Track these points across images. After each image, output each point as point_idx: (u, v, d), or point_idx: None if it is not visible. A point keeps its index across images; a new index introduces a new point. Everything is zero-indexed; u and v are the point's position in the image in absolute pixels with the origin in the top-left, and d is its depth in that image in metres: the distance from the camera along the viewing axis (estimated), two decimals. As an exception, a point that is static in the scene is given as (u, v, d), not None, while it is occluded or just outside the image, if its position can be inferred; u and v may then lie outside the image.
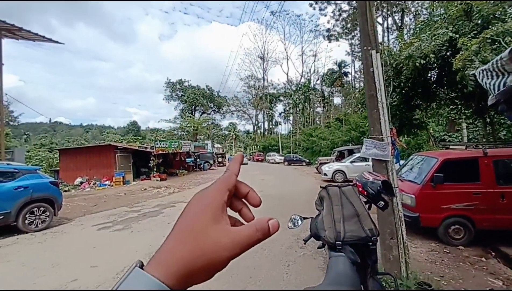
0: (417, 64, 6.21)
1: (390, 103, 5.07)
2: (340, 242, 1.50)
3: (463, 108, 8.87)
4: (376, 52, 2.84)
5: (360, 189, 1.83)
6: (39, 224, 6.12)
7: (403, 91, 7.66)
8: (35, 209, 6.09)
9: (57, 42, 12.09)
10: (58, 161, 18.94)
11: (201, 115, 52.90)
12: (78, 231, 6.13)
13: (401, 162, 6.01)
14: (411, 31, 19.42)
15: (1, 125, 12.25)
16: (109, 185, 14.17)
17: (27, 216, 5.94)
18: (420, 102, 8.44)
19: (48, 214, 6.30)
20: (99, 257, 4.39)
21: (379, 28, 30.05)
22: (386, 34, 31.50)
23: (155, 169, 16.85)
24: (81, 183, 14.61)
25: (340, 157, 17.67)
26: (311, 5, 40.14)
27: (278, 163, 32.63)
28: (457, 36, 6.20)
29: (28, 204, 5.96)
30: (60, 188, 7.34)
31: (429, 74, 7.62)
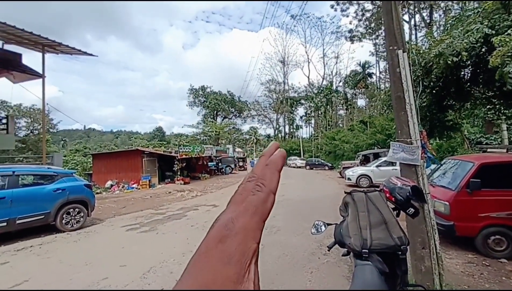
0: (449, 62, 5.84)
1: (420, 104, 4.81)
2: (366, 250, 1.44)
3: (502, 108, 8.15)
4: (403, 51, 2.72)
5: (387, 194, 1.75)
6: (74, 224, 6.56)
7: (434, 91, 7.23)
8: (71, 209, 6.54)
9: (91, 54, 13.02)
10: (91, 164, 20.26)
11: (222, 120, 53.89)
12: (108, 231, 6.48)
13: (432, 166, 5.65)
14: (441, 28, 18.36)
15: (43, 133, 13.40)
16: (136, 188, 14.85)
17: (64, 216, 6.40)
18: (453, 102, 7.91)
19: (82, 214, 6.74)
20: (127, 257, 4.60)
21: (406, 26, 28.78)
22: (413, 32, 30.09)
23: (179, 173, 17.39)
24: (111, 185, 15.47)
25: (365, 160, 17.02)
26: (332, 6, 39.53)
27: (300, 167, 32.15)
28: (493, 32, 5.74)
29: (65, 205, 6.43)
30: (93, 190, 7.82)
31: (462, 73, 7.12)
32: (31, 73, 11.10)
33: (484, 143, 12.97)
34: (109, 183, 15.83)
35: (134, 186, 15.06)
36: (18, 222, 5.66)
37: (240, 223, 0.24)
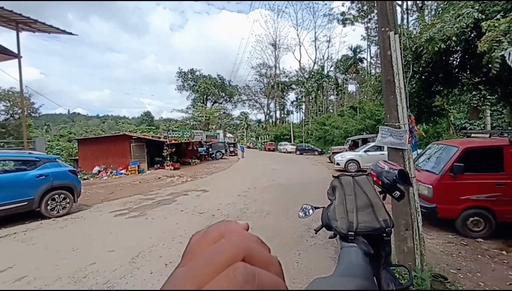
0: (436, 48, 5.82)
1: (409, 90, 4.83)
2: (352, 233, 1.45)
3: (487, 94, 8.33)
4: (395, 33, 2.66)
5: (374, 178, 1.75)
6: (60, 210, 6.42)
7: (423, 77, 7.26)
8: (56, 196, 6.38)
9: (70, 33, 12.29)
10: (77, 150, 19.70)
11: (212, 105, 53.04)
12: (96, 217, 6.40)
13: (419, 151, 5.78)
14: (433, 12, 18.28)
15: (23, 117, 12.80)
16: (125, 174, 14.63)
17: (49, 202, 6.24)
18: (441, 88, 8.00)
19: (68, 200, 6.60)
20: (115, 242, 4.57)
21: (398, 10, 28.51)
22: (405, 16, 29.86)
23: (168, 158, 17.19)
24: (99, 171, 15.16)
25: (354, 146, 17.32)
26: (325, -12, 38.46)
27: (290, 152, 32.45)
28: (483, 16, 5.73)
29: (49, 191, 6.25)
30: (78, 176, 7.62)
31: (451, 58, 7.15)
32: (5, 53, 10.42)
33: (468, 128, 13.39)
34: (96, 168, 15.49)
35: (122, 171, 14.82)
36: (-1, 208, 5.48)
37: None
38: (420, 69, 6.93)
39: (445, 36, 5.89)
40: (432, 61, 6.61)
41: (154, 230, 5.11)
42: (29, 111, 25.34)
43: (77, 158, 18.70)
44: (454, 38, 5.81)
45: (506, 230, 4.30)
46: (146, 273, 3.37)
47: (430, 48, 6.05)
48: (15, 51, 10.57)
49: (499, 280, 3.10)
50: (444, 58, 6.71)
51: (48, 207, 6.22)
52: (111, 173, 14.84)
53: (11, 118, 24.50)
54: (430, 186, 4.59)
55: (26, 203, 5.90)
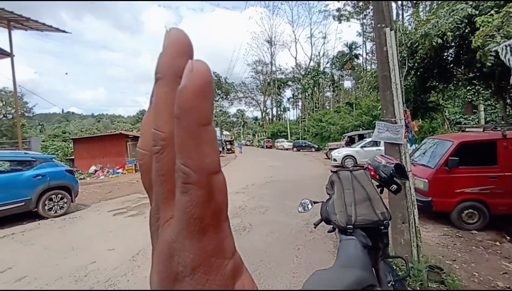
0: (434, 43, 5.89)
1: (405, 86, 4.89)
2: (351, 226, 1.49)
3: (481, 89, 8.46)
4: (391, 29, 2.69)
5: (372, 172, 1.79)
6: (58, 210, 6.39)
7: (418, 73, 7.34)
8: (53, 196, 6.34)
9: (64, 31, 12.13)
10: (73, 150, 19.54)
11: (209, 102, 52.74)
12: (94, 216, 6.38)
13: (414, 146, 5.86)
14: (427, 8, 18.36)
15: (17, 116, 12.64)
16: (122, 173, 14.57)
17: (46, 202, 6.20)
18: (436, 83, 8.09)
19: (65, 200, 6.56)
20: (115, 240, 4.58)
21: (393, 6, 28.62)
22: (400, 12, 29.95)
23: (165, 157, 17.13)
24: (95, 171, 15.08)
25: (350, 142, 17.41)
26: (320, -17, 38.37)
27: (287, 149, 32.55)
28: (477, 12, 5.80)
29: (46, 191, 6.21)
30: (75, 175, 7.58)
31: (446, 54, 7.23)
32: (-2, 52, 10.24)
33: (463, 123, 13.57)
34: (93, 168, 15.40)
35: (119, 170, 14.75)
36: (-4, 209, 5.44)
37: (191, 251, 0.15)
38: (416, 65, 7.00)
39: (440, 31, 5.95)
40: (427, 56, 6.68)
41: (154, 228, 5.12)
42: (22, 111, 25.03)
43: (73, 157, 18.55)
44: (449, 33, 5.88)
45: (499, 221, 4.41)
46: (147, 271, 3.38)
47: (427, 44, 6.10)
48: (8, 50, 10.41)
49: (493, 270, 3.18)
50: (439, 53, 6.78)
51: (46, 207, 6.19)
52: (108, 172, 14.76)
53: (4, 118, 24.19)
54: (426, 180, 4.67)
55: (23, 203, 5.85)
